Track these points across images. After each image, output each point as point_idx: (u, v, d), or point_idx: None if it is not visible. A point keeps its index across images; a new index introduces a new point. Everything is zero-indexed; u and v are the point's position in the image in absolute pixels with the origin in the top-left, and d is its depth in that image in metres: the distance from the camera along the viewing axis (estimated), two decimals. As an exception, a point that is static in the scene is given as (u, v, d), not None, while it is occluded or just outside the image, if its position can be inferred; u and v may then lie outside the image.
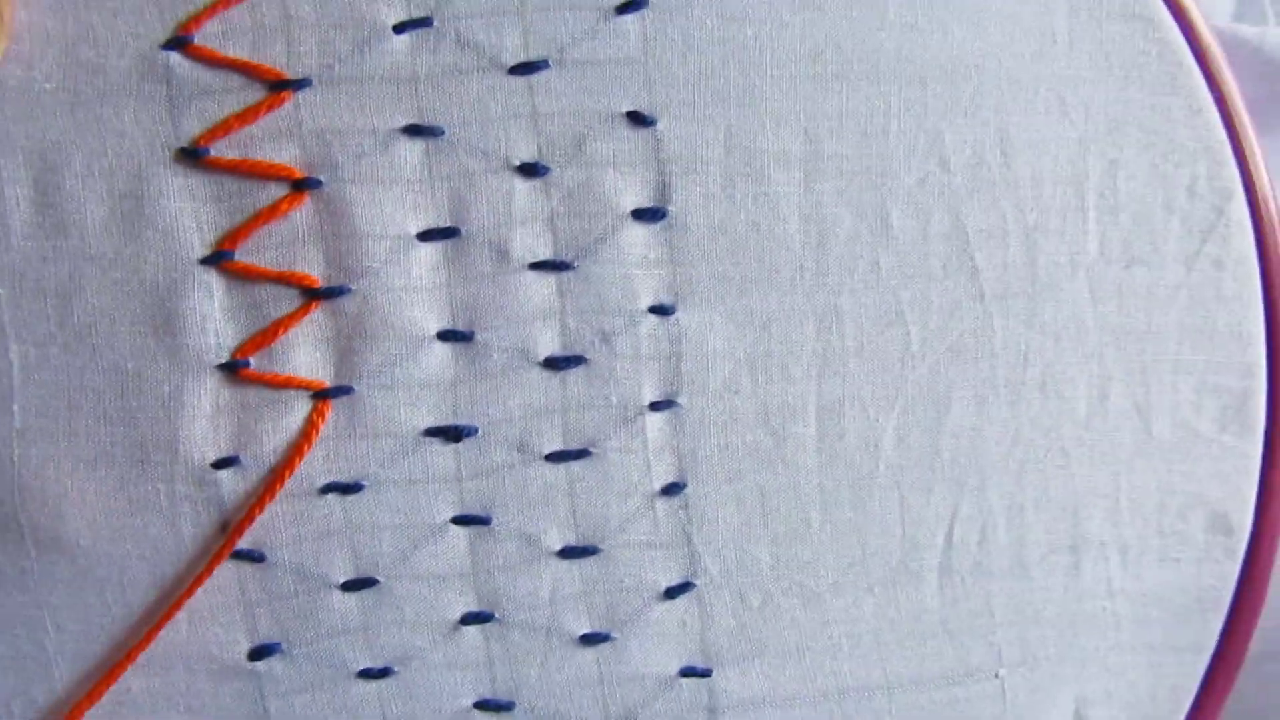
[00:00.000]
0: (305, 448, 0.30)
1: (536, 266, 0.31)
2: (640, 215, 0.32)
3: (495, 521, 0.32)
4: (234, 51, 0.30)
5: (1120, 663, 0.36)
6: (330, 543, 0.31)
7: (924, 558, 0.34)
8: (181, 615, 0.31)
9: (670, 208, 0.32)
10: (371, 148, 0.30)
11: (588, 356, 0.32)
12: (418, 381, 0.31)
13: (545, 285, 0.31)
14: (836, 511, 0.34)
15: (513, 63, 0.31)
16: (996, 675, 0.35)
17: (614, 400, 0.32)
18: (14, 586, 0.31)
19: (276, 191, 0.30)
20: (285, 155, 0.30)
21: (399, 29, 0.30)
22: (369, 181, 0.30)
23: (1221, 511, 0.35)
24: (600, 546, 0.33)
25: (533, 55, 0.31)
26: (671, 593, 0.33)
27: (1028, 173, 0.33)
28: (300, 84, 0.30)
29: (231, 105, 0.30)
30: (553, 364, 0.32)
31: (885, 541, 0.34)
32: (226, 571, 0.31)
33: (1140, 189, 0.34)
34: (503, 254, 0.31)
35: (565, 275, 0.32)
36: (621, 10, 0.31)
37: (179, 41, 0.29)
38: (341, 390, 0.31)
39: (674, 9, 0.31)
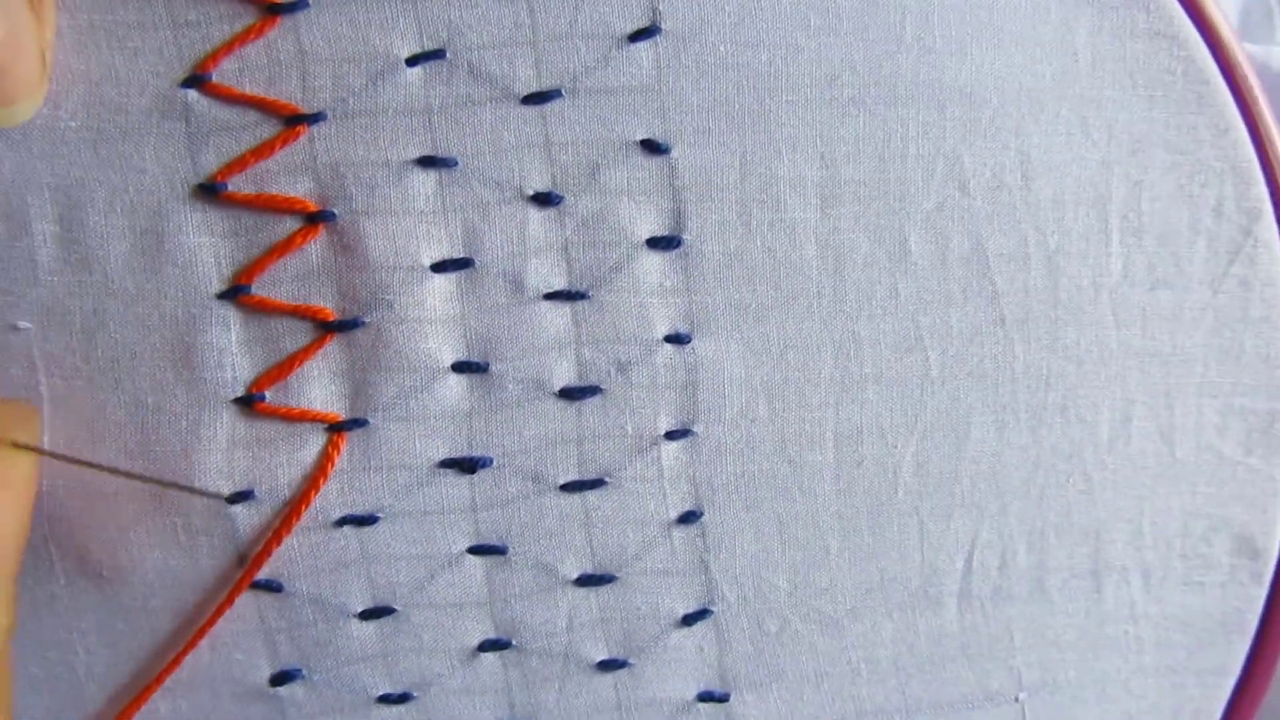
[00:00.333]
0: (321, 481, 0.31)
1: (551, 296, 0.31)
2: (655, 244, 0.32)
3: (511, 551, 0.32)
4: (250, 88, 0.30)
5: (1142, 686, 0.36)
6: (347, 573, 0.32)
7: (943, 583, 0.34)
8: (204, 642, 0.32)
9: (685, 236, 0.32)
10: (385, 180, 0.30)
11: (603, 386, 0.32)
12: (432, 413, 0.31)
13: (560, 315, 0.32)
14: (855, 538, 0.34)
15: (525, 92, 0.31)
16: (1016, 699, 0.35)
17: (629, 430, 0.32)
18: (45, 611, 0.32)
19: (292, 225, 0.30)
20: (300, 189, 0.30)
21: (412, 61, 0.30)
22: (383, 213, 0.31)
23: (1247, 535, 0.35)
24: (617, 575, 0.33)
25: (545, 85, 0.31)
26: (689, 620, 0.33)
27: (1049, 195, 0.33)
28: (315, 118, 0.30)
29: (248, 141, 0.30)
30: (568, 394, 0.32)
31: (904, 567, 0.34)
32: (246, 600, 0.31)
33: (1165, 210, 0.33)
34: (517, 284, 0.31)
35: (580, 305, 0.32)
36: (634, 38, 0.31)
37: (197, 79, 0.30)
38: (356, 423, 0.31)
39: (687, 36, 0.31)
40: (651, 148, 0.31)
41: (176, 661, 0.31)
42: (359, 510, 0.31)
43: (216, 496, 0.31)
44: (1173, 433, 0.34)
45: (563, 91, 0.31)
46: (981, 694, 0.35)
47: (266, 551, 0.31)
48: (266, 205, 0.30)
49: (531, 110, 0.31)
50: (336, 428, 0.31)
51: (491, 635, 0.33)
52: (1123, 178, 0.33)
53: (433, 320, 0.31)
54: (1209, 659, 0.36)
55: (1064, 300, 0.33)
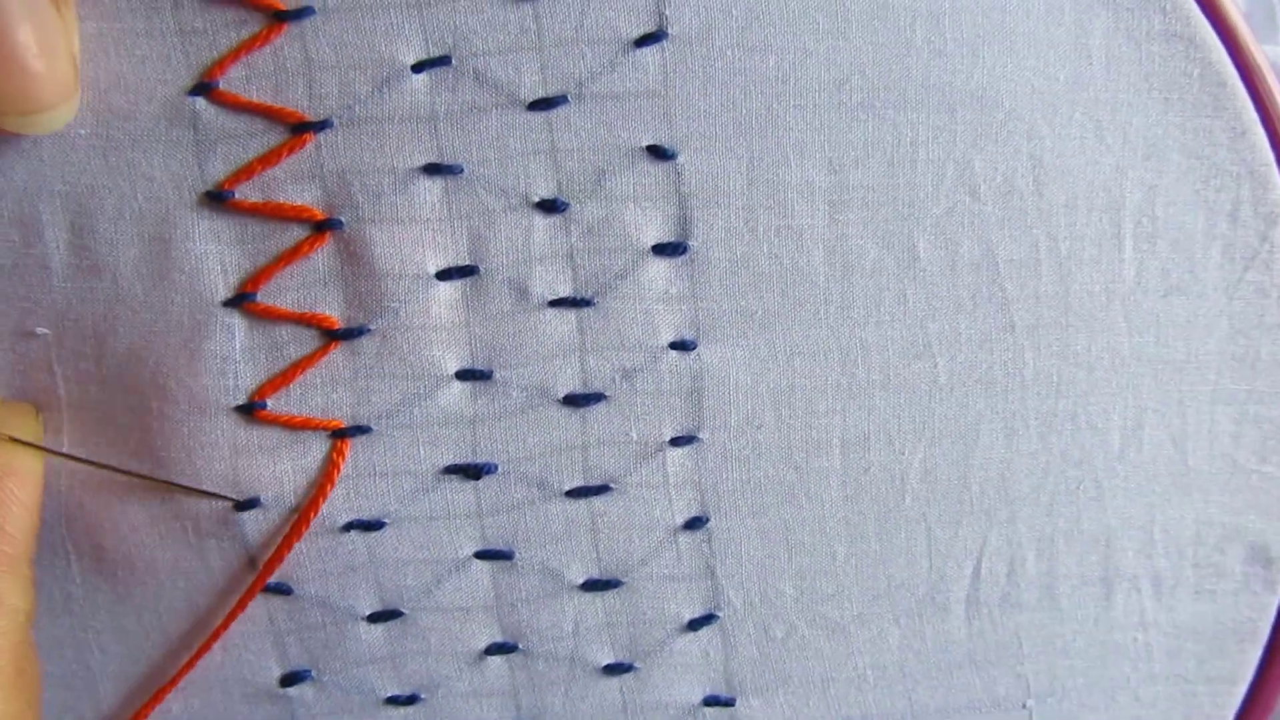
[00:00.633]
0: (328, 487, 0.31)
1: (556, 303, 0.31)
2: (661, 250, 0.32)
3: (517, 556, 0.32)
4: (257, 95, 0.30)
5: (1152, 694, 0.35)
6: (354, 577, 0.32)
7: (951, 590, 0.34)
8: (215, 643, 0.32)
9: (691, 242, 0.32)
10: (391, 187, 0.30)
11: (608, 393, 0.32)
12: (437, 420, 0.31)
13: (565, 322, 0.32)
14: (862, 544, 0.33)
15: (531, 99, 0.30)
16: (1024, 706, 0.35)
17: (634, 436, 0.32)
18: (61, 610, 0.32)
19: (299, 233, 0.31)
20: (307, 196, 0.30)
21: (417, 68, 0.30)
22: (388, 221, 0.31)
23: (1261, 544, 0.35)
24: (623, 580, 0.33)
25: (551, 91, 0.30)
26: (694, 624, 0.33)
27: (1061, 200, 0.32)
28: (321, 125, 0.30)
29: (255, 148, 0.30)
30: (573, 401, 0.32)
31: (911, 574, 0.34)
32: (256, 603, 0.32)
33: (1180, 215, 0.33)
34: (522, 291, 0.31)
35: (585, 312, 0.32)
36: (640, 43, 0.30)
37: (204, 87, 0.30)
38: (360, 430, 0.31)
39: (694, 40, 0.30)
40: (657, 153, 0.31)
41: (191, 664, 0.32)
42: (365, 516, 0.32)
43: (226, 500, 0.31)
44: (1186, 440, 0.34)
45: (568, 97, 0.31)
46: (989, 700, 0.35)
47: (278, 558, 0.31)
48: (273, 213, 0.30)
49: (537, 116, 0.31)
50: (340, 434, 0.31)
51: (498, 639, 0.33)
52: (1137, 182, 0.33)
53: (437, 328, 0.31)
54: (1220, 667, 0.35)
55: (1075, 306, 0.33)
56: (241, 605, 0.31)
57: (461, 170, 0.31)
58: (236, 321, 0.31)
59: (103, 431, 0.31)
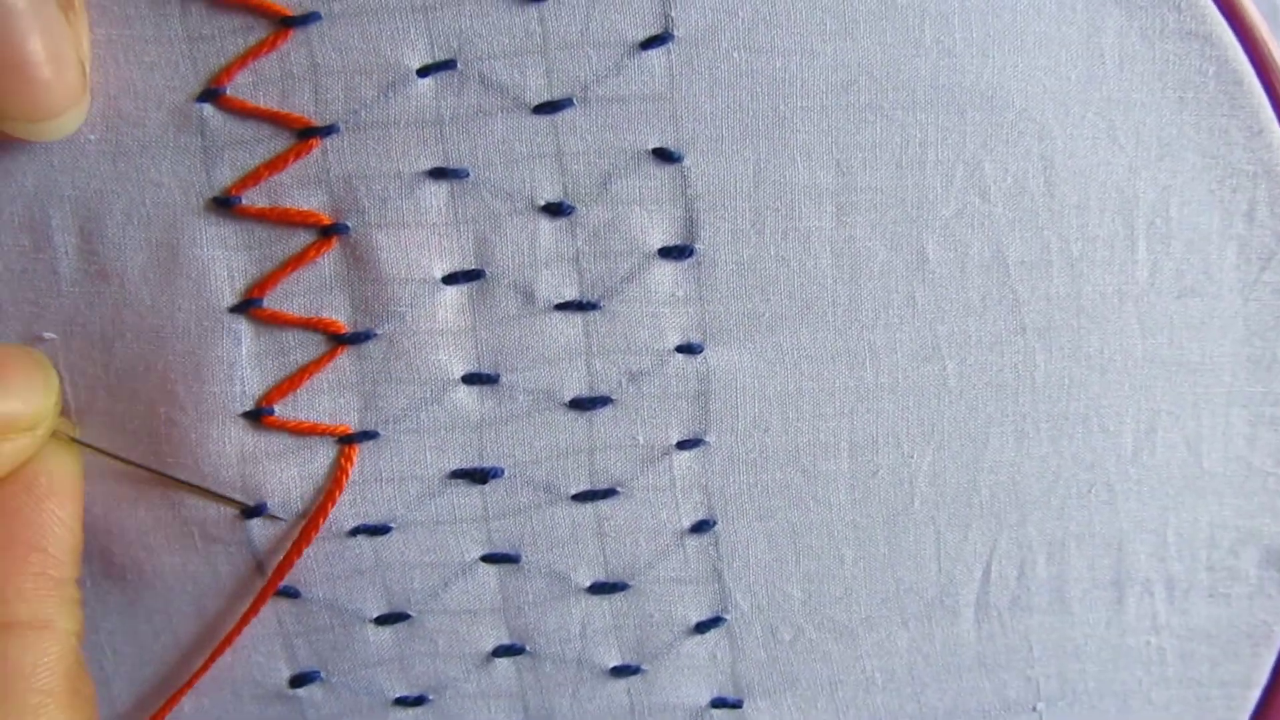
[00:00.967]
0: (336, 493, 0.31)
1: (562, 307, 0.31)
2: (667, 253, 0.31)
3: (524, 560, 0.33)
4: (264, 101, 0.30)
5: (1164, 697, 0.35)
6: (362, 580, 0.32)
7: (960, 593, 0.34)
8: (221, 638, 0.32)
9: (698, 245, 0.31)
10: (397, 192, 0.31)
11: (614, 397, 0.32)
12: (443, 424, 0.32)
13: (571, 326, 0.32)
14: (870, 547, 0.33)
15: (537, 102, 0.30)
16: (1034, 709, 0.35)
17: (641, 440, 0.32)
18: None
19: (305, 238, 0.31)
20: (314, 202, 0.30)
21: (423, 72, 0.30)
22: (394, 226, 0.31)
23: (1276, 547, 0.34)
24: (630, 583, 0.33)
25: (557, 94, 0.30)
26: (702, 627, 0.34)
27: (1073, 201, 0.32)
28: (328, 130, 0.30)
29: (262, 154, 0.30)
30: (579, 405, 0.32)
31: (920, 577, 0.34)
32: (265, 606, 0.32)
33: (1194, 216, 0.32)
34: (528, 295, 0.31)
35: (591, 315, 0.32)
36: (646, 45, 0.30)
37: (211, 93, 0.30)
38: (367, 435, 0.31)
39: (700, 42, 0.30)
40: (664, 156, 0.31)
41: (205, 667, 0.32)
42: (372, 520, 0.32)
43: (235, 505, 0.31)
44: (1200, 443, 0.34)
45: (574, 101, 0.30)
46: (999, 704, 0.35)
47: (288, 563, 0.31)
48: (280, 219, 0.30)
49: (542, 120, 0.30)
50: (348, 439, 0.31)
51: (505, 641, 0.33)
52: (1150, 182, 0.32)
53: (444, 332, 0.31)
54: (1233, 671, 0.35)
55: (1088, 308, 0.33)
56: (254, 610, 0.32)
57: (467, 174, 0.31)
58: (243, 327, 0.31)
59: (111, 437, 0.31)
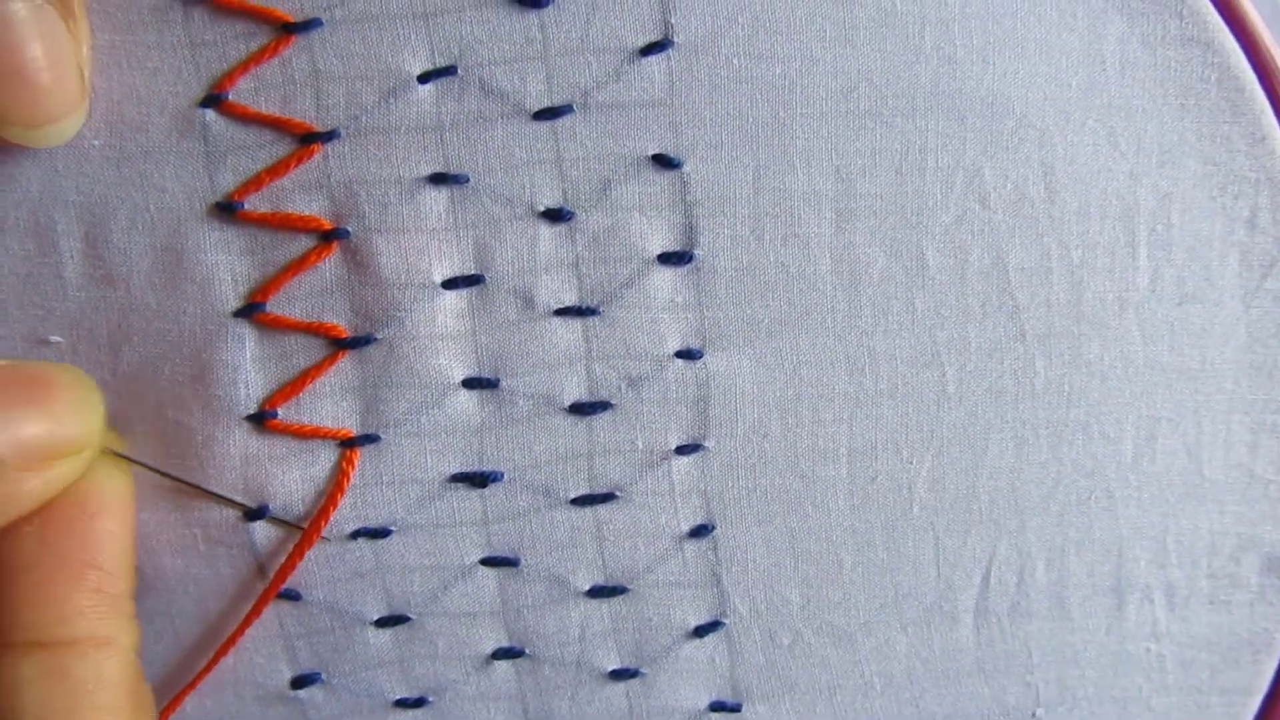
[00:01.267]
0: (338, 496, 0.31)
1: (562, 312, 0.32)
2: (667, 259, 0.31)
3: (523, 563, 0.33)
4: (266, 106, 0.30)
5: (1164, 704, 0.35)
6: (362, 583, 0.32)
7: (959, 599, 0.34)
8: (224, 639, 0.32)
9: (697, 251, 0.31)
10: (397, 197, 0.31)
11: (614, 402, 0.32)
12: (443, 428, 0.32)
13: (571, 331, 0.32)
14: (869, 553, 0.33)
15: (537, 108, 0.31)
16: (1033, 715, 0.35)
17: (640, 445, 0.32)
18: None
19: (307, 243, 0.31)
20: (315, 206, 0.31)
21: (424, 78, 0.30)
22: (394, 231, 0.31)
23: (1278, 554, 0.34)
24: (629, 586, 0.33)
25: (557, 100, 0.31)
26: (700, 631, 0.34)
27: (1074, 208, 0.32)
28: (329, 136, 0.30)
29: (264, 159, 0.30)
30: (578, 409, 0.32)
31: (919, 582, 0.34)
32: (266, 608, 0.32)
33: (1196, 223, 0.32)
34: (528, 300, 0.31)
35: (591, 321, 0.32)
36: (646, 52, 0.30)
37: (214, 99, 0.30)
38: (368, 438, 0.32)
39: (699, 49, 0.30)
40: (663, 162, 0.31)
41: (207, 669, 0.32)
42: (372, 523, 0.32)
43: (243, 508, 0.31)
44: (1200, 450, 0.33)
45: (574, 107, 0.31)
46: (998, 709, 0.35)
47: (289, 566, 0.31)
48: (282, 224, 0.31)
49: (543, 126, 0.31)
50: (349, 443, 0.32)
51: (505, 644, 0.33)
52: (1151, 189, 0.32)
53: (444, 336, 0.31)
54: (1234, 678, 0.35)
55: (1088, 315, 0.32)
56: (255, 612, 0.32)
57: (467, 180, 0.31)
58: (247, 331, 0.31)
59: (117, 439, 0.31)
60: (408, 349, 0.31)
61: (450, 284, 0.31)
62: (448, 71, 0.30)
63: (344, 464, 0.32)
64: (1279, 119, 0.32)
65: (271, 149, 0.30)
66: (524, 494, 0.32)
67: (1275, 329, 0.33)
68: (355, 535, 0.32)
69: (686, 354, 0.32)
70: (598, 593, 0.33)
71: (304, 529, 0.32)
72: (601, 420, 0.32)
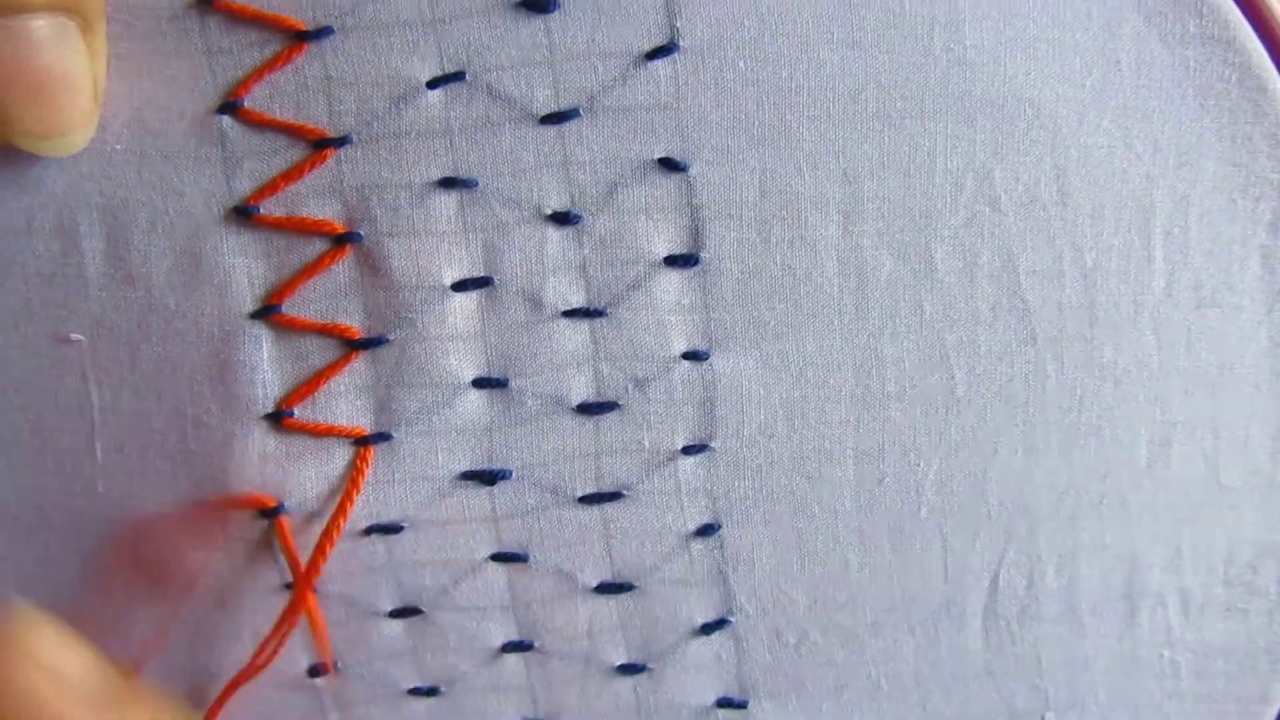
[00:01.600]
0: (354, 493, 0.32)
1: (569, 314, 0.32)
2: (673, 261, 0.32)
3: (532, 559, 0.33)
4: (280, 113, 0.31)
5: (1178, 711, 0.35)
6: (376, 577, 0.33)
7: (968, 602, 0.34)
8: (246, 635, 0.34)
9: (704, 253, 0.32)
10: (408, 201, 0.31)
11: (620, 402, 0.32)
12: (454, 428, 0.32)
13: (578, 332, 0.32)
14: (876, 555, 0.33)
15: (544, 112, 0.31)
16: (1043, 718, 0.35)
17: (647, 445, 0.33)
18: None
19: (320, 246, 0.32)
20: (329, 211, 0.31)
21: (432, 84, 0.31)
22: (405, 234, 0.31)
23: (1298, 563, 0.34)
24: (636, 584, 0.34)
25: (563, 104, 0.31)
26: (707, 629, 0.34)
27: (1087, 210, 0.31)
28: (341, 141, 0.31)
29: (279, 165, 0.31)
30: (586, 410, 0.32)
31: (926, 585, 0.34)
32: (282, 600, 0.33)
33: (1214, 225, 0.32)
34: (536, 302, 0.32)
35: (598, 322, 0.32)
36: (652, 56, 0.30)
37: (230, 105, 0.31)
38: (381, 437, 0.32)
39: (706, 52, 0.30)
40: (670, 166, 0.31)
41: (249, 672, 0.33)
42: (385, 520, 0.33)
43: (261, 505, 0.32)
44: (1218, 456, 0.33)
45: (580, 111, 0.31)
46: (1006, 712, 0.35)
47: (314, 563, 0.32)
48: (297, 228, 0.31)
49: (549, 130, 0.31)
50: (363, 441, 0.32)
51: (514, 637, 0.34)
52: (1168, 191, 0.31)
53: (454, 338, 0.32)
54: (1250, 687, 0.34)
55: (1101, 318, 0.32)
56: (294, 610, 0.32)
57: (476, 184, 0.31)
58: (264, 332, 0.32)
59: (135, 436, 0.32)
60: (419, 350, 0.32)
61: (460, 286, 0.32)
62: (456, 77, 0.31)
63: (358, 461, 0.32)
64: (1304, 119, 0.31)
65: (286, 154, 0.31)
66: (532, 492, 0.33)
67: (1297, 333, 0.32)
68: (369, 531, 0.33)
69: (693, 355, 0.32)
70: (605, 589, 0.34)
71: (324, 525, 0.33)
72: (609, 420, 0.33)
